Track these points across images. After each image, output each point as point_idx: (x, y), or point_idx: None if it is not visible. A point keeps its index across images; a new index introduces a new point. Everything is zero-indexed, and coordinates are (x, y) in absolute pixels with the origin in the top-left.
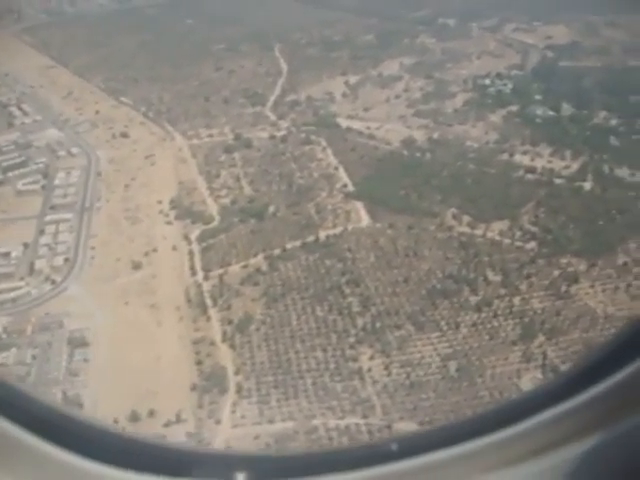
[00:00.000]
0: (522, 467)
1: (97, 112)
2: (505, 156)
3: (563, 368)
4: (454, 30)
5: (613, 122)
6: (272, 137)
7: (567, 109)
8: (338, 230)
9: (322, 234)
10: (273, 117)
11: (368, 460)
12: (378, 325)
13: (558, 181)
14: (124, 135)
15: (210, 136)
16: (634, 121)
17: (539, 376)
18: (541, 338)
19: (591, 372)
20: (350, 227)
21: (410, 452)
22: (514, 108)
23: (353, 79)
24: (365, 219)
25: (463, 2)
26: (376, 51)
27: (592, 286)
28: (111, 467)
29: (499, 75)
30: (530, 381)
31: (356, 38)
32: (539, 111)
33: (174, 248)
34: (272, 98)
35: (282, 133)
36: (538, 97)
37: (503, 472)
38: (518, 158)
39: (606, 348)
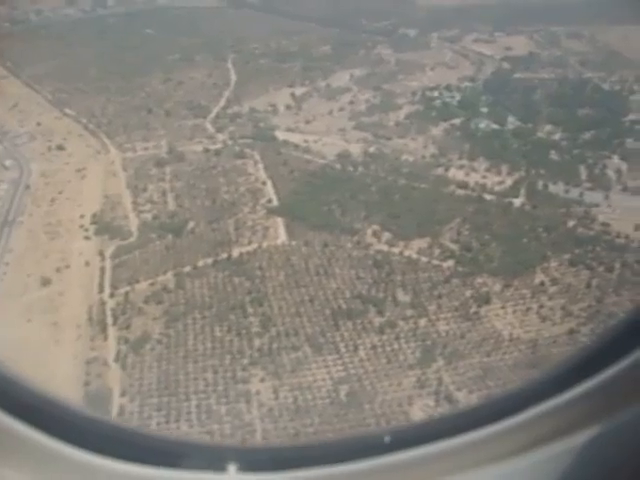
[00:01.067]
0: (516, 461)
1: (39, 124)
2: (440, 171)
3: (459, 395)
4: (413, 41)
5: (556, 136)
6: (206, 150)
7: (512, 122)
8: (252, 247)
9: (236, 251)
10: (212, 130)
11: (360, 452)
12: (275, 346)
13: (488, 197)
14: (60, 148)
15: (145, 149)
16: (577, 135)
17: (431, 403)
18: (440, 363)
19: (584, 365)
20: (265, 244)
21: (401, 445)
22: (458, 121)
23: (299, 91)
24: (282, 236)
25: (428, 12)
26: (329, 62)
27: (503, 307)
28: (105, 457)
29: (449, 87)
30: (421, 409)
31: (312, 49)
32: (482, 124)
33: (87, 264)
34: (215, 110)
35: (217, 146)
36: (484, 110)
37: (497, 466)
38: (452, 173)
39: (601, 341)
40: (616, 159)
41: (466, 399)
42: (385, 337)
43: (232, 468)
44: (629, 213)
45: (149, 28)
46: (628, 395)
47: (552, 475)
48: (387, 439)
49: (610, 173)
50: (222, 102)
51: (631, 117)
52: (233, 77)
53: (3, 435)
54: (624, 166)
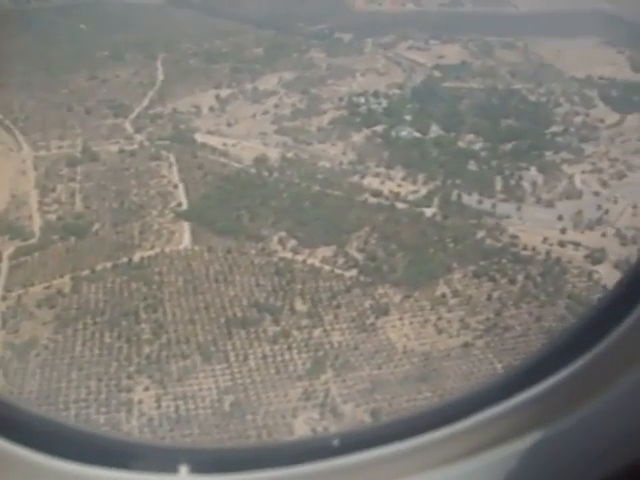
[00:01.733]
0: (462, 465)
1: None
2: (355, 178)
3: (345, 408)
4: (347, 46)
5: (477, 146)
6: (122, 151)
7: (435, 131)
8: (154, 252)
9: (137, 255)
10: (130, 130)
11: (310, 455)
12: (164, 354)
13: (401, 206)
14: None
15: (59, 148)
16: (498, 146)
17: (315, 416)
18: (329, 374)
19: (531, 371)
20: (167, 249)
21: (350, 449)
22: (380, 128)
23: (225, 93)
24: (186, 241)
25: (366, 17)
26: (260, 65)
27: (401, 319)
28: (54, 458)
29: (376, 93)
30: (304, 422)
31: (245, 51)
32: (404, 132)
33: None
34: (137, 110)
35: (133, 147)
36: (408, 117)
37: (445, 469)
38: (368, 181)
39: (547, 349)
40: (533, 171)
41: (352, 413)
42: (277, 347)
43: (184, 469)
44: (539, 225)
45: (84, 23)
46: (572, 401)
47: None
48: (336, 442)
49: (525, 185)
50: (145, 102)
51: (553, 129)
52: (160, 77)
53: None
54: (540, 178)
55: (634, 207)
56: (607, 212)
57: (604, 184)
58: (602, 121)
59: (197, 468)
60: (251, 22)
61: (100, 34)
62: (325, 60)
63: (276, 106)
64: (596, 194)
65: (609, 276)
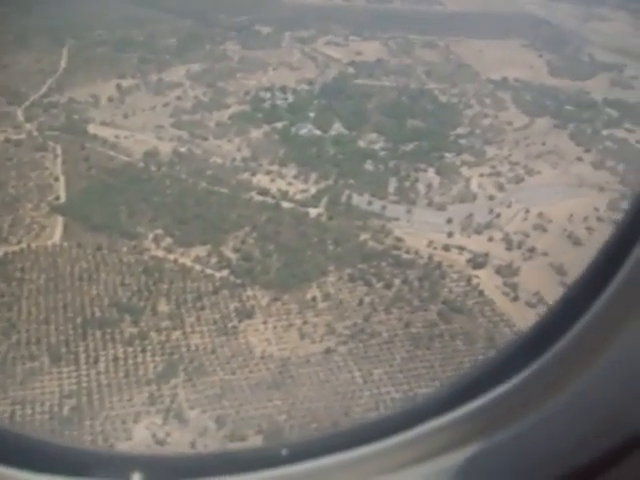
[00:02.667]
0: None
1: None
2: (246, 175)
3: (191, 414)
4: (265, 39)
5: (377, 146)
6: (7, 141)
7: (337, 129)
8: (20, 247)
9: (1, 250)
10: (21, 119)
11: (264, 462)
12: (11, 355)
13: (287, 205)
14: None
15: None
16: (399, 146)
17: (158, 421)
18: (180, 379)
19: (475, 383)
20: (34, 245)
21: (302, 456)
22: (281, 125)
23: (128, 83)
24: (56, 236)
25: (291, 10)
26: (170, 56)
27: (265, 322)
28: (10, 468)
29: (284, 88)
30: (146, 427)
31: (159, 40)
32: (304, 130)
33: None
34: (32, 98)
35: (20, 137)
36: (312, 115)
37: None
38: (258, 178)
39: (494, 359)
40: (431, 173)
41: (197, 419)
42: (131, 349)
43: (136, 477)
44: (427, 229)
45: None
46: (512, 414)
47: None
48: (285, 451)
49: (420, 187)
50: (43, 90)
51: (459, 131)
52: (63, 64)
53: None
54: (436, 181)
55: (526, 212)
56: (498, 216)
57: (500, 188)
58: (510, 124)
59: (150, 476)
60: (170, 11)
61: (11, 16)
62: (239, 53)
63: (178, 98)
64: (491, 198)
65: (488, 281)
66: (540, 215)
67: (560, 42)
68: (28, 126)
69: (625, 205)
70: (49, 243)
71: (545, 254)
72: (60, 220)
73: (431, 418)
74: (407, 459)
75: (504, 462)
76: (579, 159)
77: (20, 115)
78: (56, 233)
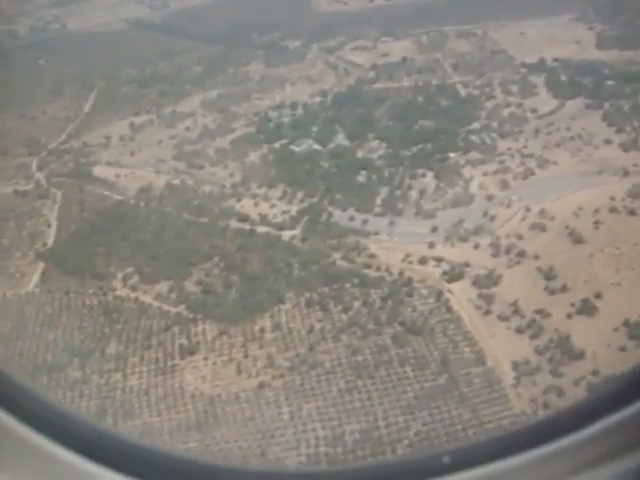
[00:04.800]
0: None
1: None
2: (231, 202)
3: None
4: (291, 53)
5: (377, 154)
6: (15, 192)
7: (339, 140)
8: None
9: None
10: (34, 169)
11: (426, 473)
12: None
13: (262, 230)
14: None
15: None
16: (400, 152)
17: None
18: (107, 422)
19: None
20: (10, 293)
21: (468, 463)
22: (280, 144)
23: (141, 119)
24: (32, 283)
25: (328, 19)
26: (192, 85)
27: (206, 358)
28: (106, 468)
29: (294, 104)
30: None
31: (185, 70)
32: (303, 146)
33: None
34: (50, 147)
35: (28, 187)
36: (315, 129)
37: None
38: (243, 203)
39: None
40: (429, 177)
41: None
42: (70, 394)
43: None
44: (407, 240)
45: (44, 57)
46: None
47: None
48: (446, 459)
49: (413, 194)
50: (62, 137)
51: (473, 126)
52: (86, 109)
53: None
54: (433, 185)
55: (527, 210)
56: (493, 219)
57: (505, 186)
58: (534, 111)
59: None
60: (201, 38)
61: (54, 68)
62: (261, 72)
63: (187, 129)
64: (489, 198)
65: (461, 295)
66: (542, 212)
67: (616, 9)
68: (38, 175)
69: None
70: (22, 291)
71: (536, 257)
72: (41, 267)
73: (608, 414)
74: (584, 461)
75: None
76: (607, 142)
77: (34, 165)
78: (32, 280)
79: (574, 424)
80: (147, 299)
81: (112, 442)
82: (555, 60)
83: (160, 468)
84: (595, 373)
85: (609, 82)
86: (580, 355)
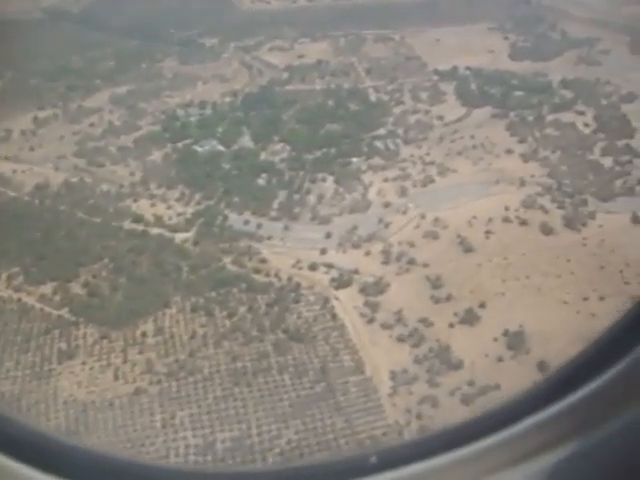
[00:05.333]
0: (515, 470)
1: None
2: (128, 202)
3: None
4: (208, 51)
5: (279, 157)
6: None
7: (244, 142)
8: None
9: None
10: None
11: (352, 472)
12: None
13: (156, 232)
14: None
15: None
16: (303, 155)
17: None
18: None
19: (565, 382)
20: None
21: (392, 463)
22: (183, 144)
23: (46, 114)
24: None
25: (250, 17)
26: (102, 79)
27: (84, 363)
28: (30, 468)
29: (203, 104)
30: None
31: (97, 64)
32: (207, 147)
33: None
34: None
35: None
36: (221, 129)
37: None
38: (140, 204)
39: (597, 345)
40: (330, 182)
41: None
42: None
43: None
44: (300, 246)
45: None
46: (608, 410)
47: None
48: (373, 459)
49: (311, 199)
50: None
51: (379, 132)
52: None
53: None
54: (331, 190)
55: (422, 217)
56: (387, 226)
57: (403, 193)
58: (441, 118)
59: None
60: (119, 32)
61: None
62: (175, 69)
63: (91, 125)
64: (386, 205)
65: (348, 302)
66: (436, 221)
67: (534, 20)
68: None
69: (545, 200)
70: None
71: (426, 265)
72: None
73: (527, 416)
74: (503, 460)
75: (599, 463)
76: (509, 151)
77: None
78: None
79: (493, 426)
80: (30, 300)
81: (39, 441)
82: (467, 68)
83: (92, 468)
84: (471, 383)
85: (517, 92)
86: (458, 365)
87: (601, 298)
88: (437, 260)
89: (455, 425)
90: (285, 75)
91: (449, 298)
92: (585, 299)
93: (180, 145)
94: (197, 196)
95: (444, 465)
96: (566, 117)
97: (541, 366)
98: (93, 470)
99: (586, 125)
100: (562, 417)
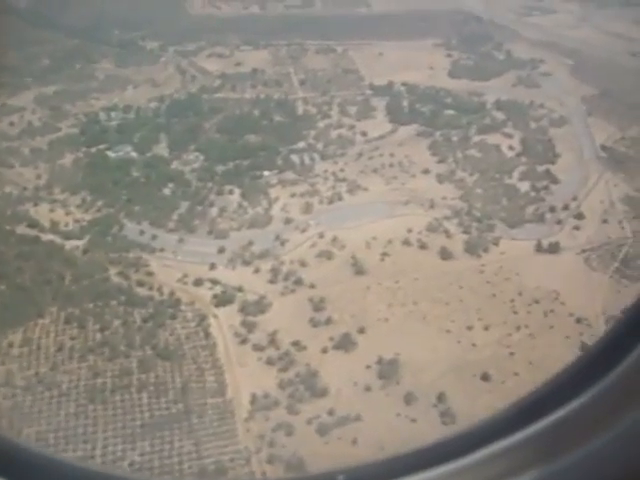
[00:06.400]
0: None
1: None
2: (28, 205)
3: None
4: (146, 55)
5: (191, 167)
6: None
7: (160, 149)
8: None
9: None
10: None
11: None
12: None
13: (46, 238)
14: None
15: None
16: (215, 166)
17: None
18: None
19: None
20: None
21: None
22: (98, 148)
23: None
24: None
25: (198, 22)
26: (34, 78)
27: None
28: None
29: (127, 108)
30: None
31: (33, 63)
32: (121, 152)
33: None
34: None
35: None
36: (139, 134)
37: None
38: (40, 208)
39: (586, 358)
40: (236, 195)
41: None
42: None
43: None
44: (191, 260)
45: None
46: (573, 439)
47: None
48: (341, 477)
49: (214, 211)
50: None
51: (298, 145)
52: None
53: None
54: (235, 204)
55: (320, 236)
56: (284, 243)
57: (307, 209)
58: (365, 134)
59: None
60: (67, 30)
61: None
62: (110, 71)
63: (11, 124)
64: (288, 221)
65: (225, 320)
66: (334, 240)
67: (481, 39)
68: None
69: (451, 224)
70: None
71: (312, 286)
72: None
73: (489, 442)
74: (495, 474)
75: (593, 472)
76: (425, 171)
77: None
78: None
79: (464, 448)
80: None
81: (13, 452)
82: (403, 84)
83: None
84: (331, 413)
85: (448, 111)
86: (323, 392)
87: (486, 328)
88: (325, 281)
89: (424, 447)
90: (217, 82)
91: (328, 322)
92: (469, 328)
93: (94, 150)
94: (99, 203)
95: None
96: (492, 139)
97: (408, 398)
98: None
99: (511, 148)
100: (548, 431)
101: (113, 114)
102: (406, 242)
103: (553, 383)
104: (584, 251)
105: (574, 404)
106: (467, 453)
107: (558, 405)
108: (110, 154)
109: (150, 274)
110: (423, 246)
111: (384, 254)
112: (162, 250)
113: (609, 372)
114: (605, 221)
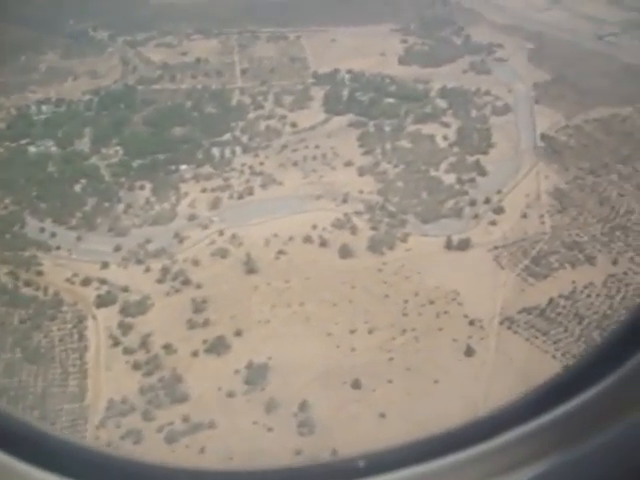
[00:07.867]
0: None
1: None
2: None
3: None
4: (94, 45)
5: (108, 162)
6: None
7: (82, 144)
8: None
9: None
10: None
11: (340, 476)
12: None
13: None
14: None
15: None
16: (133, 160)
17: None
18: None
19: (554, 393)
20: None
21: (378, 468)
22: (17, 143)
23: None
24: None
25: (155, 11)
26: None
27: None
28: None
29: (59, 101)
30: None
31: None
32: (41, 147)
33: None
34: None
35: None
36: (65, 129)
37: None
38: None
39: (592, 355)
40: (147, 190)
41: None
42: None
43: None
44: (86, 258)
45: None
46: (590, 427)
47: None
48: (361, 463)
49: (120, 207)
50: None
51: (223, 137)
52: None
53: None
54: (143, 200)
55: (220, 234)
56: (182, 241)
57: (215, 205)
58: (294, 125)
59: None
60: (20, 20)
61: None
62: (54, 62)
63: None
64: (192, 218)
65: (103, 321)
66: (233, 237)
67: (442, 23)
68: None
69: (361, 219)
70: None
71: (198, 287)
72: None
73: (508, 429)
74: (482, 473)
75: (591, 471)
76: (348, 164)
77: None
78: None
79: (485, 433)
80: None
81: (38, 438)
82: (348, 72)
83: (91, 466)
84: (186, 419)
85: (388, 100)
86: (183, 398)
87: (370, 331)
88: (213, 281)
89: (436, 434)
90: (158, 73)
91: (206, 324)
92: (352, 332)
93: (15, 145)
94: (7, 200)
95: (426, 473)
96: (428, 128)
97: (269, 406)
98: (92, 468)
99: (445, 138)
100: (553, 426)
101: (44, 108)
102: (307, 239)
103: (553, 383)
104: (496, 248)
105: (574, 404)
106: (489, 437)
107: (558, 405)
108: (31, 149)
109: (40, 274)
110: (324, 243)
111: (280, 252)
112: (58, 248)
113: (609, 373)
114: (525, 216)
